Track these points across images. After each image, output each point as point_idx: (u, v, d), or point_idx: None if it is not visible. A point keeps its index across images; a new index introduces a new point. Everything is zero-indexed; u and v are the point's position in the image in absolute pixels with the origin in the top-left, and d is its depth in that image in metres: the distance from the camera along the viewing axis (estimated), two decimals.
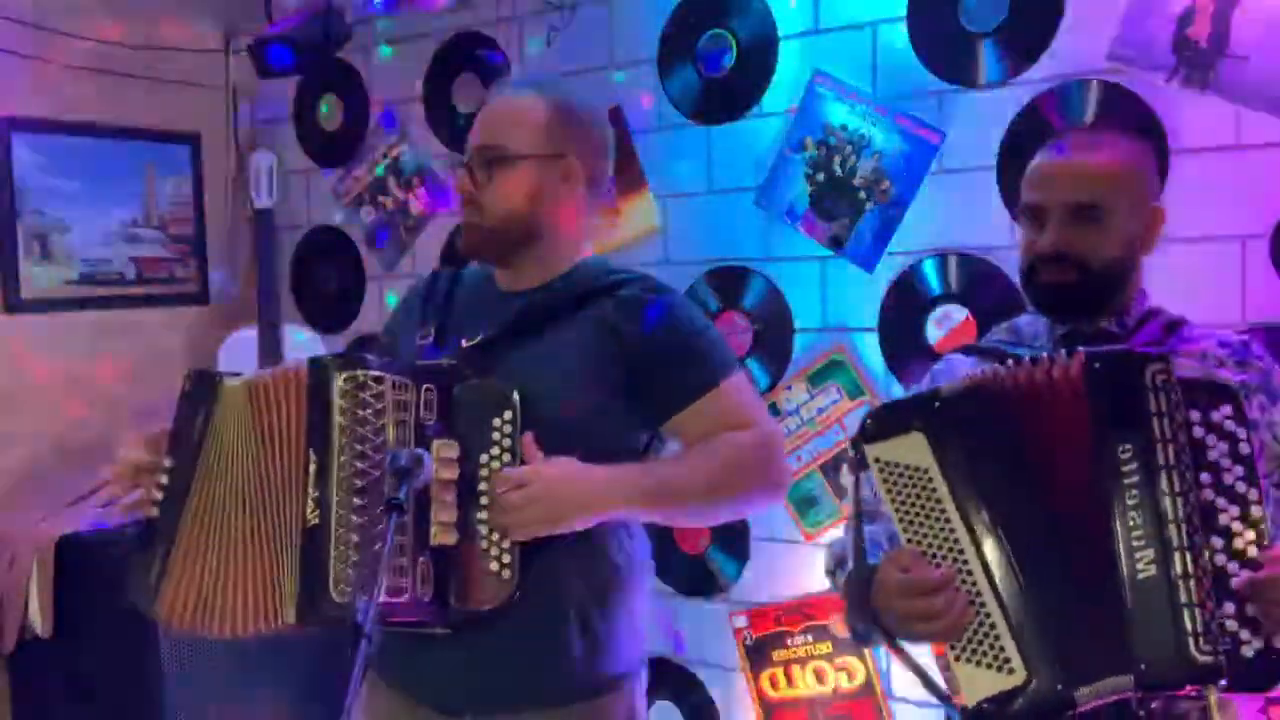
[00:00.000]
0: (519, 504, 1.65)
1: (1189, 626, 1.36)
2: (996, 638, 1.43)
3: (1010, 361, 1.53)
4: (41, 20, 3.40)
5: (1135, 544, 1.40)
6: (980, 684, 1.43)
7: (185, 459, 1.73)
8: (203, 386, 1.77)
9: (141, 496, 1.76)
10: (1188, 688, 1.40)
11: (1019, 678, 1.41)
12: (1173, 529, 1.39)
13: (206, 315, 3.87)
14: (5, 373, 3.39)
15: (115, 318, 3.64)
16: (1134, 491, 1.41)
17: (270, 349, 3.48)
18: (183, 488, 1.72)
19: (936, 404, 1.51)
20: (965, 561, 1.46)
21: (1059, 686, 1.41)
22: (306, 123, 3.83)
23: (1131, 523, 1.40)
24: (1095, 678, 1.40)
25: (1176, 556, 1.38)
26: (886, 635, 1.54)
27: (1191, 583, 1.37)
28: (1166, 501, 1.39)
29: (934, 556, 1.47)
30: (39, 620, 3.05)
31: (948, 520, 1.47)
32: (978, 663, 1.43)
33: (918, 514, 1.49)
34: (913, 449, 1.49)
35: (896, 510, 1.50)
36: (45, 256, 3.48)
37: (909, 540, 1.49)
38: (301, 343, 3.56)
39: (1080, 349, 1.48)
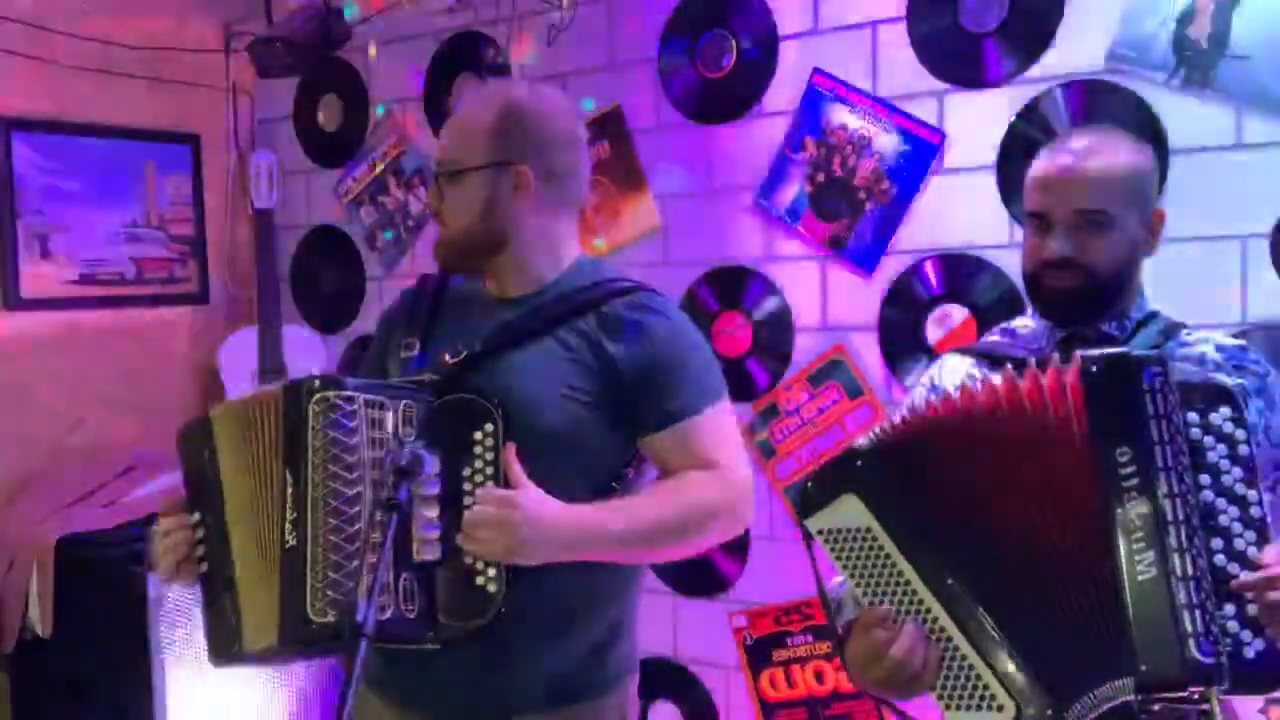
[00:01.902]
0: (486, 527, 1.63)
1: (1189, 628, 1.36)
2: (978, 678, 1.43)
3: (990, 374, 1.53)
4: (41, 20, 3.40)
5: (1136, 547, 1.39)
6: None
7: (214, 504, 1.71)
8: (197, 429, 1.75)
9: (182, 561, 1.73)
10: (1189, 689, 1.39)
11: (1009, 714, 1.41)
12: (1172, 531, 1.38)
13: (206, 315, 3.87)
14: (5, 373, 3.39)
15: (115, 318, 3.64)
16: (1133, 494, 1.40)
17: (270, 349, 3.48)
18: (221, 531, 1.70)
19: (858, 462, 1.50)
20: (928, 610, 1.45)
21: (1048, 711, 1.40)
22: (306, 123, 3.83)
23: (1131, 526, 1.40)
24: (1093, 687, 1.40)
25: (1176, 558, 1.37)
26: (876, 700, 1.54)
27: (1191, 584, 1.36)
28: (1165, 504, 1.39)
29: (897, 612, 1.46)
30: (39, 620, 3.05)
31: (900, 573, 1.47)
32: (965, 706, 1.43)
33: (871, 573, 1.48)
34: (850, 511, 1.49)
35: (851, 575, 1.50)
36: (45, 256, 3.48)
37: (870, 601, 1.48)
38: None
39: (1078, 353, 1.47)
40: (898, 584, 1.47)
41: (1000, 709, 1.41)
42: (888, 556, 1.47)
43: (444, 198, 1.83)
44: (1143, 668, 1.36)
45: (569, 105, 1.93)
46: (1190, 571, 1.37)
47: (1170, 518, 1.38)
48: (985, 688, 1.42)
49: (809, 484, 1.53)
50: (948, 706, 1.44)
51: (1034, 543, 1.44)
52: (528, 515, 1.64)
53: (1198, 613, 1.35)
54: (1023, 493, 1.45)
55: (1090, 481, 1.41)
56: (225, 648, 1.68)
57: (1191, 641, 1.35)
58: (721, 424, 1.81)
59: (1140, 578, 1.38)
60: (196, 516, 1.73)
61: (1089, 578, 1.41)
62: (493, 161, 1.79)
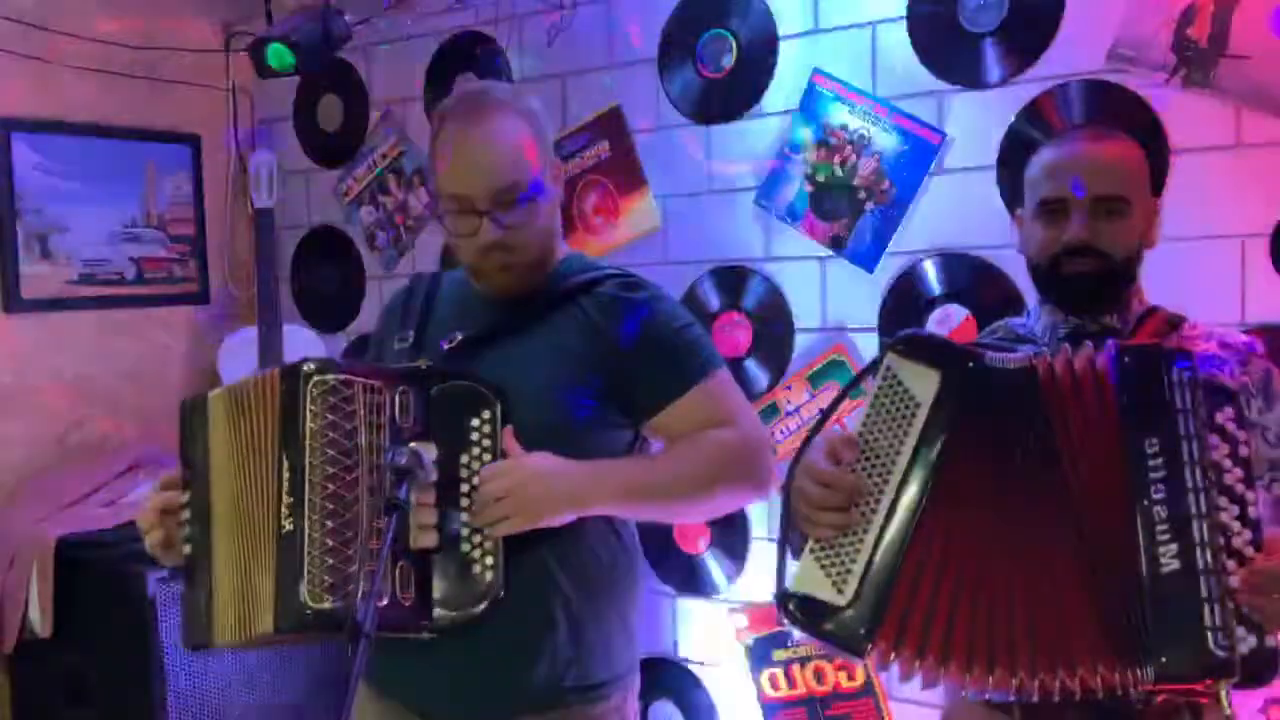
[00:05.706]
0: (497, 496, 1.64)
1: (1209, 622, 1.36)
2: (853, 561, 1.45)
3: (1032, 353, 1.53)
4: (41, 20, 3.40)
5: (1160, 538, 1.39)
6: (810, 583, 1.47)
7: (200, 490, 1.72)
8: (193, 412, 1.76)
9: (169, 539, 1.74)
10: (1204, 682, 1.40)
11: (843, 599, 1.45)
12: (1195, 525, 1.39)
13: (206, 315, 3.87)
14: (5, 373, 3.39)
15: (115, 318, 3.64)
16: (1159, 486, 1.41)
17: (270, 349, 3.48)
18: (204, 517, 1.71)
19: (970, 363, 1.50)
20: (882, 489, 1.47)
21: (861, 631, 1.44)
22: (306, 123, 3.83)
23: (1156, 517, 1.40)
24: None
25: (1199, 552, 1.38)
26: (784, 511, 1.56)
27: (1213, 578, 1.37)
28: (1190, 498, 1.39)
29: (867, 464, 1.48)
30: (39, 620, 3.05)
31: (899, 451, 1.48)
32: (823, 567, 1.47)
33: (884, 427, 1.50)
34: (923, 380, 1.49)
35: (872, 410, 1.51)
36: (45, 256, 3.48)
37: (862, 439, 1.50)
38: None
39: (1110, 341, 1.48)
40: (888, 451, 1.48)
41: (840, 593, 1.45)
42: (906, 433, 1.48)
43: (520, 222, 1.74)
44: (1163, 659, 1.37)
45: None
46: (1211, 566, 1.37)
47: (1194, 511, 1.38)
48: (849, 572, 1.45)
49: (915, 338, 1.53)
50: (812, 552, 1.48)
51: (1043, 517, 1.45)
52: (535, 471, 1.66)
53: (1216, 607, 1.36)
54: (1046, 469, 1.45)
55: (1117, 469, 1.42)
56: (196, 635, 1.69)
57: (1210, 636, 1.36)
58: (727, 389, 1.82)
59: (1164, 570, 1.38)
60: (185, 498, 1.73)
61: (1103, 565, 1.41)
62: (549, 174, 1.80)
